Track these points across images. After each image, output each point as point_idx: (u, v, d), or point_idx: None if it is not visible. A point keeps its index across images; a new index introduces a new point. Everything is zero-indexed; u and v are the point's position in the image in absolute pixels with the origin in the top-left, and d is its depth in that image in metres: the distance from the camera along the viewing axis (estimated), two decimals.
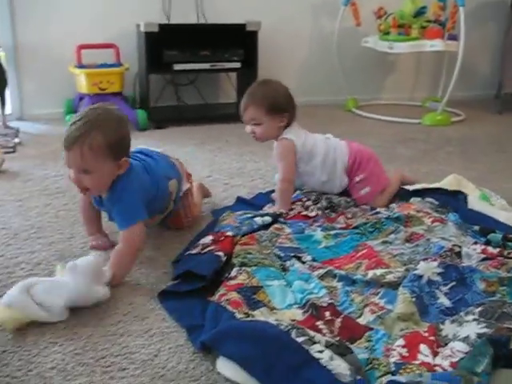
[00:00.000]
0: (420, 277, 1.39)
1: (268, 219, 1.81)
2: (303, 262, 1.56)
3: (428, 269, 1.41)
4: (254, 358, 1.11)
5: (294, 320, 1.27)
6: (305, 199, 2.02)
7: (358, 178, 2.02)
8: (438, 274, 1.40)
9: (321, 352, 1.12)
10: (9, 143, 3.06)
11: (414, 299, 1.32)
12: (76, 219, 1.97)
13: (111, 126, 1.54)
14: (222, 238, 1.64)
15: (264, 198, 2.11)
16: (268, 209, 1.98)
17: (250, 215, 1.84)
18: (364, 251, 1.62)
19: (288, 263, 1.55)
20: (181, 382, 1.14)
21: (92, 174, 1.52)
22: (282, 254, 1.60)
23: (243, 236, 1.68)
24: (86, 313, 1.38)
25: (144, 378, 1.15)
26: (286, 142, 1.98)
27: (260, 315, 1.29)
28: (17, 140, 3.15)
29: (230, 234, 1.67)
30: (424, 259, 1.46)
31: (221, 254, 1.55)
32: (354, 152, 2.03)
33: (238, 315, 1.27)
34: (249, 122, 1.99)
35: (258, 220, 1.80)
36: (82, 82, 3.42)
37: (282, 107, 1.97)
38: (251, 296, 1.36)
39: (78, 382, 1.14)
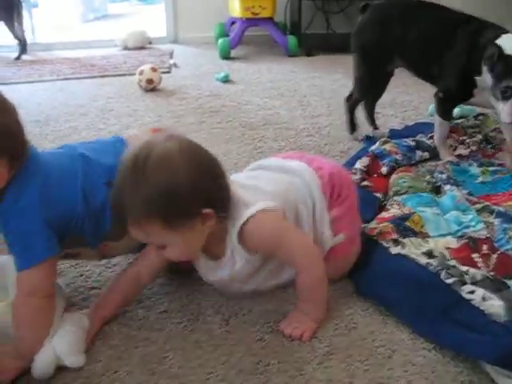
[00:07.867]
0: None
1: (426, 155, 1.80)
2: None
3: None
4: (403, 299, 1.11)
5: (448, 248, 1.25)
6: (460, 133, 1.94)
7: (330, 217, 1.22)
8: None
9: (472, 293, 1.09)
10: (165, 64, 3.19)
11: None
12: (230, 137, 2.05)
13: None
14: (375, 176, 1.66)
15: (415, 130, 2.04)
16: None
17: (412, 144, 1.82)
18: None
19: (447, 187, 1.52)
20: None
21: None
22: (439, 178, 1.59)
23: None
24: None
25: None
26: (269, 215, 1.06)
27: (409, 244, 1.27)
28: (171, 61, 3.29)
29: (385, 170, 1.68)
30: None
31: (379, 195, 1.55)
32: (327, 176, 1.22)
33: (387, 244, 1.27)
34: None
35: (418, 154, 1.78)
36: (235, 6, 3.45)
37: (194, 205, 0.98)
38: (402, 223, 1.35)
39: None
